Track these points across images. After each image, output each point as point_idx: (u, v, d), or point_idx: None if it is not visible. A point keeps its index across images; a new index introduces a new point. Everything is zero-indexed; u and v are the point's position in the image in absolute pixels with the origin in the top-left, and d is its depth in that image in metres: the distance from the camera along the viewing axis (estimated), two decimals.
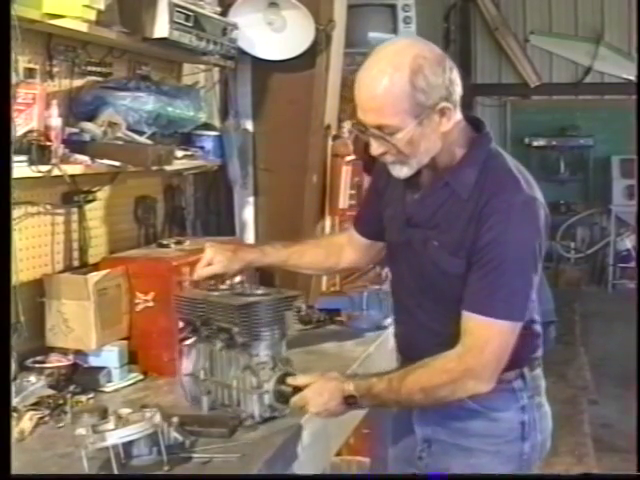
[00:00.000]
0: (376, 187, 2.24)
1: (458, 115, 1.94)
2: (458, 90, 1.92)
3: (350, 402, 1.96)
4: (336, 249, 2.45)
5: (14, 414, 2.12)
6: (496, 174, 1.93)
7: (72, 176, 2.55)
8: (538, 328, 2.10)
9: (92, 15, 2.45)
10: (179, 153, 3.12)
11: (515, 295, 1.89)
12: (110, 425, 1.89)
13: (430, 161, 1.95)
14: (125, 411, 1.98)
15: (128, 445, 1.88)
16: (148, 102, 2.86)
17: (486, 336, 1.88)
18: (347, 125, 3.74)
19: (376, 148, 1.93)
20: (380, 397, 1.96)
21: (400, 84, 1.83)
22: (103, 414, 2.10)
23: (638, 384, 4.96)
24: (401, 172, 1.96)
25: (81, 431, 1.87)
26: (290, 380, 2.08)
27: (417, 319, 2.08)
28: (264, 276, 2.94)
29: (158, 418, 1.89)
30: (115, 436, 1.83)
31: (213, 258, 2.36)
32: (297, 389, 2.04)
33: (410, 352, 2.08)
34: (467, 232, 1.91)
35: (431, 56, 1.87)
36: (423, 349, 1.97)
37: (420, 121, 1.86)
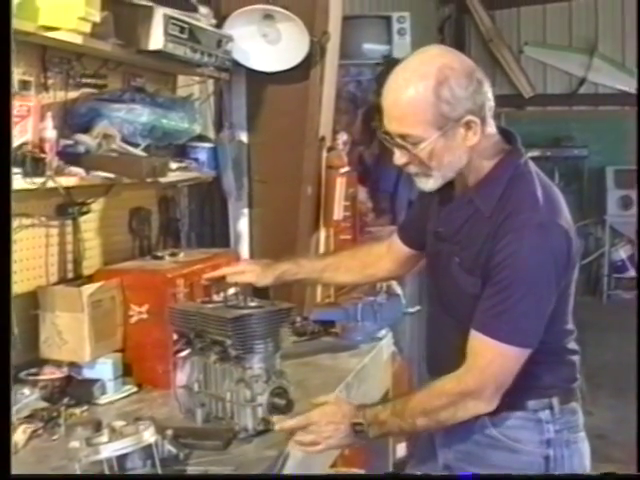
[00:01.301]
0: (422, 197, 2.18)
1: (489, 128, 1.91)
2: (488, 104, 1.88)
3: (358, 430, 1.92)
4: (373, 259, 2.40)
5: None
6: (519, 193, 1.88)
7: (66, 188, 2.55)
8: (573, 358, 2.03)
9: (87, 27, 2.44)
10: (174, 165, 3.11)
11: (521, 319, 1.83)
12: (104, 438, 1.88)
13: (459, 175, 1.93)
14: (119, 424, 1.98)
15: (122, 458, 1.88)
16: (143, 114, 2.86)
17: (488, 357, 1.84)
18: (341, 137, 3.76)
19: (399, 157, 1.90)
20: (386, 424, 1.92)
21: (424, 94, 1.81)
22: (97, 427, 2.09)
23: (638, 384, 4.95)
24: (426, 185, 1.93)
25: (75, 444, 1.87)
26: (314, 401, 2.04)
27: (443, 335, 2.04)
28: (258, 288, 2.93)
29: (152, 431, 1.88)
30: (109, 449, 1.82)
31: (246, 268, 2.38)
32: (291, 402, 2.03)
33: (435, 370, 2.02)
34: (483, 249, 1.87)
35: (459, 67, 1.84)
36: (448, 368, 1.91)
37: (444, 133, 1.83)
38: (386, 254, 2.37)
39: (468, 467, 1.99)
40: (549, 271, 1.84)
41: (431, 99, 1.81)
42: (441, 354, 2.02)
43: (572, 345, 2.03)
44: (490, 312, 1.84)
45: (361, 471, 3.44)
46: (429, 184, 1.93)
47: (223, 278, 2.41)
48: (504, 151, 1.94)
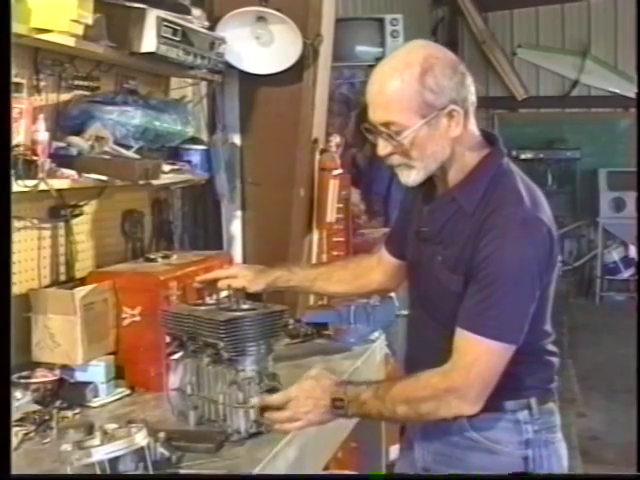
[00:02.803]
0: (404, 204, 2.20)
1: (471, 125, 1.92)
2: (471, 98, 1.90)
3: (337, 405, 1.91)
4: (365, 271, 2.38)
5: None
6: (502, 190, 1.89)
7: (59, 190, 2.55)
8: (552, 359, 2.02)
9: (79, 29, 2.44)
10: (166, 167, 3.11)
11: (506, 315, 1.82)
12: (96, 441, 1.87)
13: (441, 172, 1.93)
14: (111, 426, 1.97)
15: (114, 461, 1.87)
16: (135, 116, 2.85)
17: (474, 355, 1.83)
18: (334, 139, 3.76)
19: (383, 148, 1.90)
20: (366, 405, 1.90)
21: (409, 81, 1.82)
22: (89, 430, 2.09)
23: (638, 385, 4.96)
24: (409, 178, 1.92)
25: (66, 447, 1.86)
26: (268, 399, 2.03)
27: (424, 338, 2.04)
28: None
29: (144, 433, 1.88)
30: (101, 452, 1.81)
31: (239, 272, 2.37)
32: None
33: (413, 370, 2.00)
34: (466, 247, 1.87)
35: (444, 58, 1.87)
36: (427, 368, 1.91)
37: (427, 121, 1.84)
38: (377, 266, 2.35)
39: (447, 469, 2.00)
40: (532, 267, 1.84)
41: (416, 86, 1.82)
42: (422, 357, 2.00)
43: (551, 347, 2.01)
44: (475, 309, 1.83)
45: (354, 473, 3.44)
46: (412, 176, 1.92)
47: (215, 281, 2.40)
48: (486, 151, 1.96)
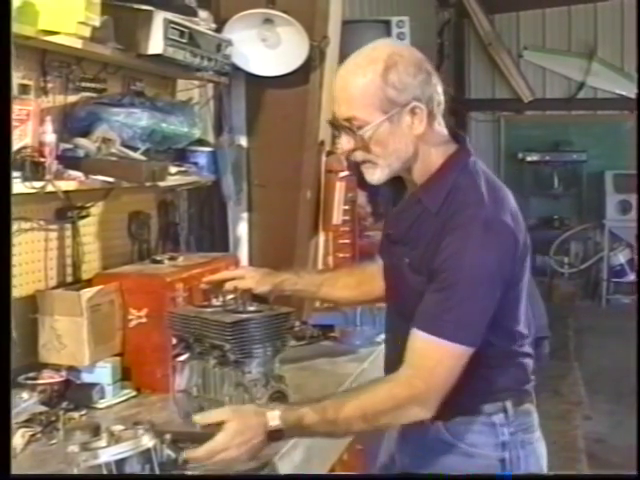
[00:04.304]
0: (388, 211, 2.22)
1: (437, 125, 1.93)
2: (437, 97, 1.90)
3: (275, 437, 1.81)
4: (369, 277, 2.34)
5: None
6: (464, 191, 1.88)
7: (66, 192, 2.55)
8: (526, 361, 2.00)
9: (87, 32, 2.45)
10: (173, 169, 3.12)
11: (465, 318, 1.80)
12: (102, 442, 1.87)
13: (407, 172, 1.94)
14: (118, 428, 1.97)
15: (120, 463, 1.87)
16: (142, 118, 2.86)
17: (436, 358, 1.80)
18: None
19: (346, 143, 1.91)
20: (312, 428, 1.83)
21: (372, 77, 1.84)
22: (95, 431, 2.09)
23: (638, 388, 4.95)
24: (373, 175, 1.92)
25: (73, 448, 1.85)
26: (198, 419, 1.89)
27: (400, 339, 1.99)
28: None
29: (151, 435, 1.87)
30: (107, 453, 1.80)
31: (246, 273, 2.37)
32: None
33: (392, 372, 1.98)
34: (429, 248, 1.86)
35: (408, 55, 1.88)
36: None
37: (389, 117, 1.85)
38: (378, 273, 2.30)
39: (424, 472, 1.99)
40: (493, 269, 1.82)
41: (378, 82, 1.84)
42: (399, 359, 1.93)
43: (525, 349, 1.99)
44: (434, 310, 1.82)
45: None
46: (376, 174, 1.92)
47: (222, 282, 2.40)
48: (452, 150, 1.95)
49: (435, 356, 1.81)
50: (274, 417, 1.80)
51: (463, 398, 1.86)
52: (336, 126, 1.94)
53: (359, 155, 1.92)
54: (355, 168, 3.95)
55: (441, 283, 1.82)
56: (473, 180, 1.90)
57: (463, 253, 1.80)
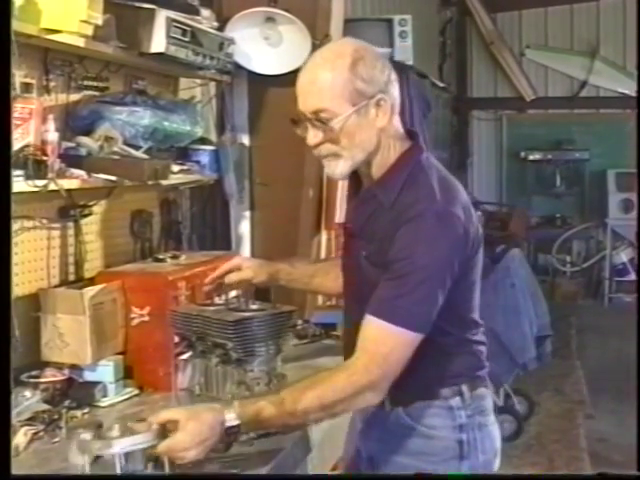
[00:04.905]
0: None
1: (396, 121, 1.98)
2: (395, 94, 1.96)
3: (231, 432, 1.82)
4: None
5: None
6: (416, 186, 1.94)
7: (68, 190, 2.56)
8: (479, 348, 2.08)
9: (89, 30, 2.45)
10: (175, 167, 3.12)
11: (417, 305, 1.86)
12: (116, 432, 1.84)
13: (365, 167, 1.98)
14: (129, 423, 1.93)
15: (128, 456, 1.86)
16: (144, 117, 2.86)
17: (389, 344, 1.85)
18: None
19: (313, 137, 1.94)
20: (269, 422, 1.85)
21: (341, 70, 1.88)
22: (98, 429, 2.09)
23: (638, 387, 4.95)
24: (336, 169, 1.96)
25: (86, 436, 1.84)
26: (152, 418, 1.83)
27: (356, 329, 2.01)
28: (260, 290, 2.94)
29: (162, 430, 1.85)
30: (122, 444, 1.78)
31: (242, 264, 2.37)
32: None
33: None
34: (384, 241, 1.91)
35: (372, 51, 1.96)
36: None
37: (357, 110, 1.90)
38: None
39: (390, 455, 2.04)
40: (444, 259, 1.88)
41: (347, 75, 1.88)
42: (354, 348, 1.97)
43: (479, 337, 2.08)
44: (387, 297, 1.87)
45: None
46: (339, 167, 1.96)
47: (222, 278, 2.39)
48: (407, 146, 2.01)
49: (389, 342, 1.86)
50: (230, 416, 1.81)
51: (421, 383, 1.97)
52: (300, 121, 1.96)
53: (324, 149, 1.95)
54: None
55: (395, 272, 1.88)
56: (425, 175, 1.96)
57: (415, 244, 1.86)
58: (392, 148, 1.99)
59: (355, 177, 2.05)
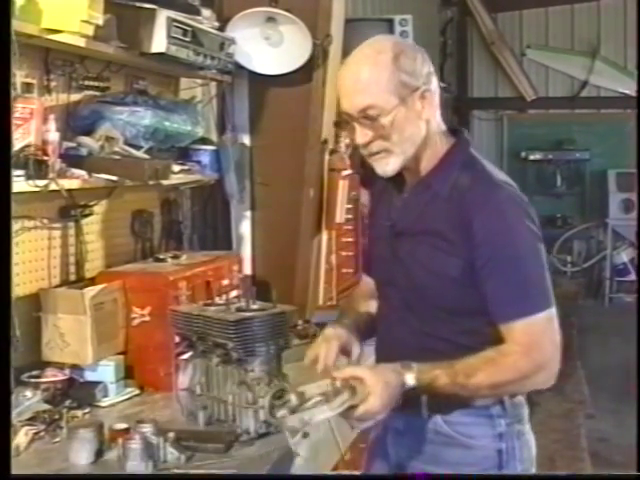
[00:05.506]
0: (369, 221, 2.23)
1: (438, 115, 1.97)
2: (436, 87, 1.95)
3: (407, 391, 1.86)
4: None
5: None
6: (474, 173, 1.93)
7: (69, 190, 2.55)
8: None
9: (90, 30, 2.45)
10: (176, 167, 3.12)
11: (539, 283, 1.88)
12: (310, 404, 1.82)
13: (414, 161, 1.95)
14: (303, 388, 1.89)
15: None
16: (145, 117, 2.86)
17: (539, 331, 1.86)
18: (344, 139, 3.75)
19: (363, 136, 1.91)
20: (441, 389, 1.87)
21: (384, 64, 1.87)
22: (99, 429, 2.09)
23: (638, 387, 4.95)
24: (387, 166, 1.94)
25: (284, 413, 1.84)
26: (336, 374, 1.88)
27: (397, 335, 2.02)
28: (260, 290, 2.94)
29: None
30: (322, 411, 1.79)
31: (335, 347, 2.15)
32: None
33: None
34: (456, 232, 1.88)
35: (411, 45, 1.97)
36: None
37: (404, 102, 1.88)
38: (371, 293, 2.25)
39: (422, 465, 2.00)
40: (534, 234, 1.89)
41: (391, 68, 1.87)
42: (393, 357, 1.92)
43: None
44: (512, 296, 1.86)
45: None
46: (390, 164, 1.94)
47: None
48: (453, 139, 2.00)
49: (537, 330, 1.86)
50: (410, 378, 1.84)
51: None
52: (345, 122, 1.94)
53: (375, 146, 1.93)
54: (360, 166, 3.97)
55: (498, 266, 1.86)
56: (480, 164, 1.97)
57: (502, 229, 1.86)
58: (439, 142, 1.97)
59: (393, 177, 1.99)
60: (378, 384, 1.81)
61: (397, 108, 1.88)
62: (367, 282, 2.26)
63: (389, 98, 1.87)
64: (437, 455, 1.98)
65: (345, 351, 2.12)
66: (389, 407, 1.83)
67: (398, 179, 2.01)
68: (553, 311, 1.88)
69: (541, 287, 1.88)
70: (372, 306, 2.20)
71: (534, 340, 1.86)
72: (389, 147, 1.92)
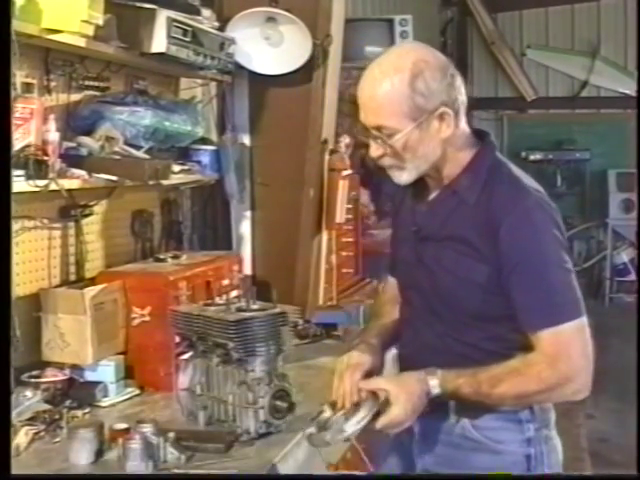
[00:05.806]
0: (393, 222, 2.20)
1: (462, 123, 1.93)
2: (461, 98, 1.91)
3: (432, 399, 1.88)
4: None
5: None
6: (503, 178, 1.91)
7: (69, 190, 2.55)
8: None
9: (90, 30, 2.45)
10: (176, 167, 3.12)
11: (566, 292, 1.85)
12: (337, 416, 1.86)
13: (434, 170, 1.94)
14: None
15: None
16: (145, 117, 2.86)
17: (566, 341, 1.83)
18: (344, 139, 3.75)
19: (375, 150, 1.91)
20: (465, 398, 1.87)
21: (399, 86, 1.84)
22: (99, 429, 2.09)
23: (638, 386, 4.94)
24: (400, 177, 1.94)
25: (311, 430, 1.87)
26: (363, 384, 1.92)
27: (423, 340, 2.00)
28: (261, 290, 2.94)
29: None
30: (353, 423, 1.82)
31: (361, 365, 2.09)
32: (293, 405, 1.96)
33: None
34: (483, 238, 1.86)
35: (433, 61, 1.89)
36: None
37: (418, 124, 1.85)
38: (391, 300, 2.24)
39: (449, 471, 1.99)
40: (561, 241, 1.87)
41: (406, 91, 1.84)
42: (419, 361, 1.94)
43: None
44: (539, 305, 1.83)
45: (362, 474, 3.44)
46: (403, 177, 1.93)
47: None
48: (478, 146, 1.97)
49: (565, 340, 1.84)
50: (435, 386, 1.86)
51: None
52: (364, 134, 1.93)
53: (387, 161, 1.92)
54: (360, 166, 3.97)
55: (524, 274, 1.84)
56: (508, 169, 1.95)
57: (533, 238, 1.84)
58: (464, 148, 1.94)
59: (419, 180, 1.98)
60: (401, 395, 1.84)
61: (410, 130, 1.86)
62: (392, 285, 2.24)
63: (401, 120, 1.85)
64: (464, 461, 1.97)
65: (369, 374, 2.05)
66: (414, 416, 1.85)
67: (420, 183, 1.99)
68: (584, 321, 1.85)
69: (568, 296, 1.85)
70: (397, 312, 2.19)
71: (561, 351, 1.83)
72: (400, 164, 1.91)
